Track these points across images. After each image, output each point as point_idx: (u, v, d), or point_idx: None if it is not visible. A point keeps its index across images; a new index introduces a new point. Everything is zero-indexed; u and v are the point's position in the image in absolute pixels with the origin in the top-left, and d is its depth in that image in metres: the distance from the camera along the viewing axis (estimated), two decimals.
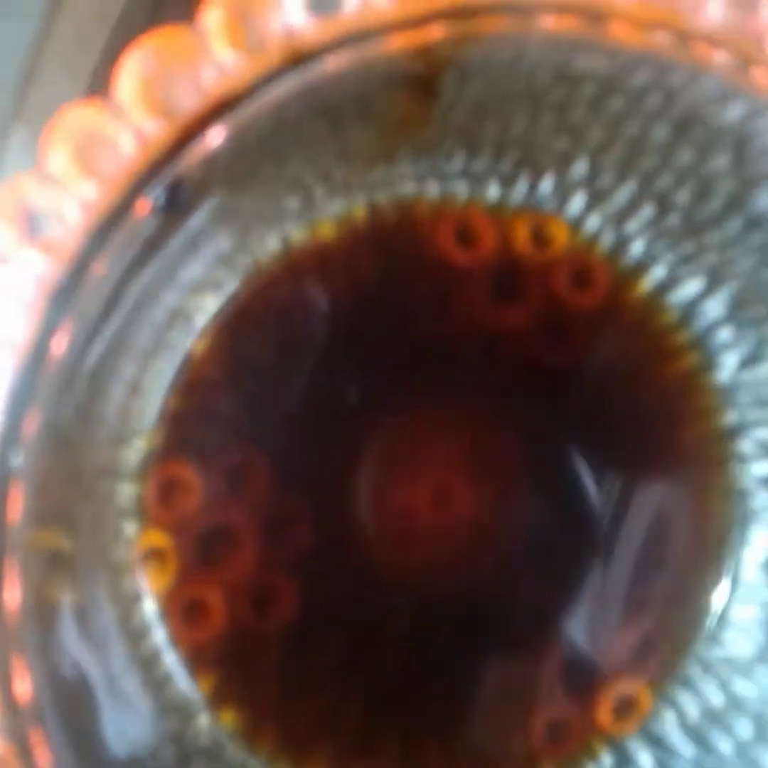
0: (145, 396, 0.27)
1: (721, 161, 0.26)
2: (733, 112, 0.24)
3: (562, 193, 0.28)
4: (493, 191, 0.28)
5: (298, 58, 0.20)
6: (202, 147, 0.20)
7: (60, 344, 0.20)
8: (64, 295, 0.19)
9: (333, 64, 0.21)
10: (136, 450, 0.27)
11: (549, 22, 0.22)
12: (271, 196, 0.26)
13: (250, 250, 0.27)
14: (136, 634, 0.26)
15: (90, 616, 0.25)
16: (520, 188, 0.28)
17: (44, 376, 0.20)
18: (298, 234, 0.28)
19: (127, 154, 0.19)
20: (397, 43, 0.21)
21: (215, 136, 0.20)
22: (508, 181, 0.28)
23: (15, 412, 0.21)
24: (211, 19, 0.20)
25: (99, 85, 0.24)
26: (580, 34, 0.22)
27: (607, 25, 0.22)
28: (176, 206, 0.20)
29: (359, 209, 0.28)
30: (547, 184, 0.28)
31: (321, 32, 0.21)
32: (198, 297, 0.27)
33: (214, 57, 0.20)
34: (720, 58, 0.23)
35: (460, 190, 0.28)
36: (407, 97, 0.23)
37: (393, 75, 0.22)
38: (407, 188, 0.28)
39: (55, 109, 0.26)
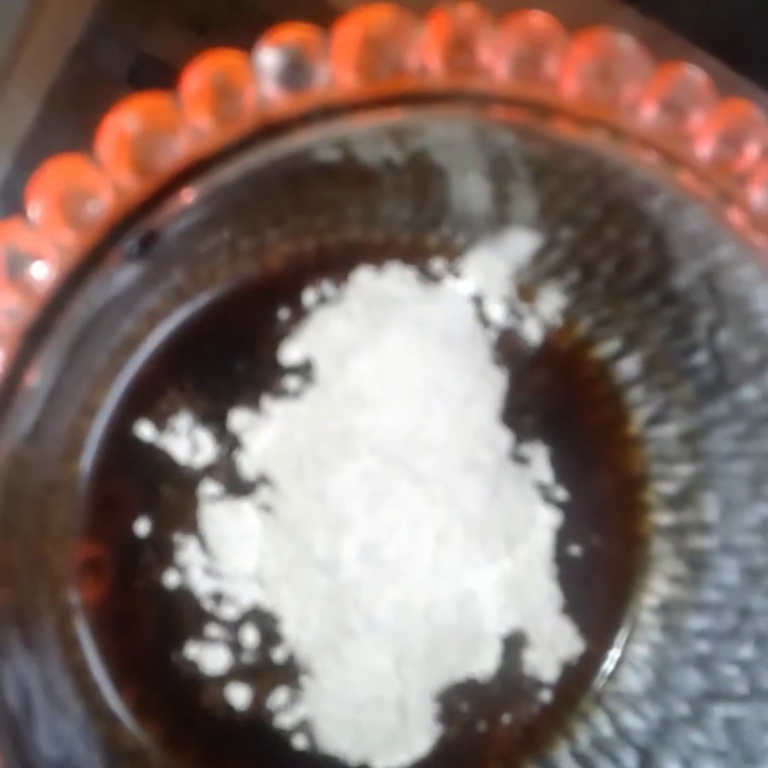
0: (95, 415, 0.28)
1: (643, 242, 0.28)
2: (657, 203, 0.26)
3: None
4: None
5: (269, 128, 0.22)
6: (175, 203, 0.22)
7: (32, 377, 0.21)
8: (38, 333, 0.21)
9: (301, 136, 0.22)
10: (82, 466, 0.28)
11: (500, 113, 0.24)
12: (227, 239, 0.28)
13: (201, 283, 0.29)
14: (70, 642, 0.27)
15: (30, 624, 0.26)
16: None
17: (14, 408, 0.21)
18: (248, 269, 0.29)
19: (105, 206, 0.21)
20: (362, 120, 0.23)
21: (187, 194, 0.22)
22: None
23: None
24: (191, 87, 0.21)
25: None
26: (526, 125, 0.24)
27: (552, 120, 0.24)
28: (147, 256, 0.22)
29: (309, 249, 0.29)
30: None
31: (292, 105, 0.22)
32: (151, 325, 0.28)
33: (191, 122, 0.21)
34: (649, 157, 0.25)
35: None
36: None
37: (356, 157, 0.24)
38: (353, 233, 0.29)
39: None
